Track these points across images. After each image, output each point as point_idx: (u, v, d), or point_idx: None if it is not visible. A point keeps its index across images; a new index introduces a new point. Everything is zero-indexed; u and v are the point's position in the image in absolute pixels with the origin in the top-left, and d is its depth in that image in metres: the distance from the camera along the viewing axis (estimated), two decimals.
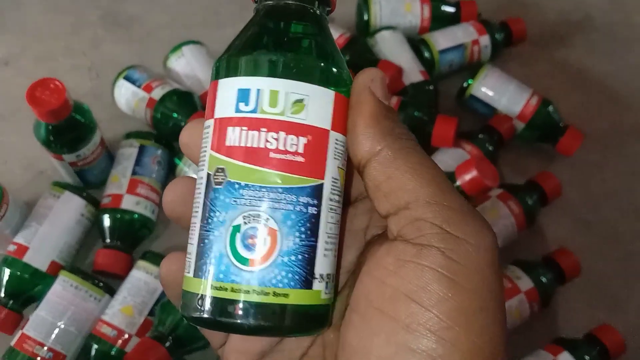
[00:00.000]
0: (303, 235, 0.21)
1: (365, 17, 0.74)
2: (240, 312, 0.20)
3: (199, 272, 0.21)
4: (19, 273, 0.56)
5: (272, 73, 0.21)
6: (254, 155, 0.21)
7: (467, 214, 0.20)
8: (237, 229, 0.20)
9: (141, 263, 0.57)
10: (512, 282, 0.57)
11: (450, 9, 0.76)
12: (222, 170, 0.21)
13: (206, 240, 0.21)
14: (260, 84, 0.21)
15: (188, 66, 0.68)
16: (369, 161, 0.21)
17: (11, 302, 0.56)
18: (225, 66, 0.22)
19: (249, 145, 0.21)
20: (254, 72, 0.21)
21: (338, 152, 0.22)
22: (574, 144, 0.67)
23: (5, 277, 0.56)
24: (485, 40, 0.72)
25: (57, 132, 0.56)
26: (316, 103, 0.21)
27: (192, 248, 0.22)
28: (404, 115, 0.64)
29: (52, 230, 0.57)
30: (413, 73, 0.68)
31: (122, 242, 0.59)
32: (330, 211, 0.22)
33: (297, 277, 0.21)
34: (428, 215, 0.19)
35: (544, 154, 0.70)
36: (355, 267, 0.24)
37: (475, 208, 0.21)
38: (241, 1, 0.82)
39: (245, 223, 0.20)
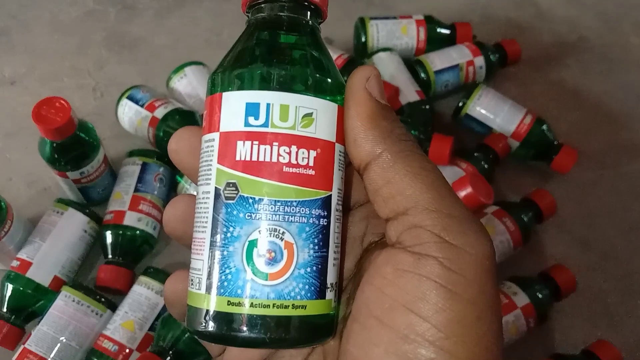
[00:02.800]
0: (317, 247, 0.21)
1: (363, 39, 0.75)
2: (259, 326, 0.20)
3: (211, 288, 0.21)
4: (21, 288, 0.56)
5: (283, 87, 0.21)
6: (267, 169, 0.21)
7: (466, 222, 0.20)
8: (254, 243, 0.20)
9: (143, 279, 0.57)
10: (508, 298, 0.58)
11: (445, 31, 0.77)
12: (234, 184, 0.21)
13: (220, 256, 0.21)
14: (271, 98, 0.21)
15: (190, 86, 0.70)
16: (369, 164, 0.21)
17: (13, 317, 0.56)
18: (230, 79, 0.22)
19: (261, 159, 0.21)
20: (263, 86, 0.21)
21: (341, 163, 0.22)
22: (568, 162, 0.68)
23: (8, 293, 0.57)
24: (479, 61, 0.73)
25: (62, 149, 0.57)
26: (323, 116, 0.21)
27: (201, 264, 0.21)
28: None
29: (55, 246, 0.58)
30: (409, 93, 0.69)
31: (124, 258, 0.60)
32: (337, 221, 0.22)
33: (313, 288, 0.21)
34: (427, 222, 0.19)
35: (539, 172, 0.71)
36: (353, 273, 0.24)
37: (474, 215, 0.20)
38: (243, 23, 0.84)
39: (262, 237, 0.20)
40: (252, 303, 0.20)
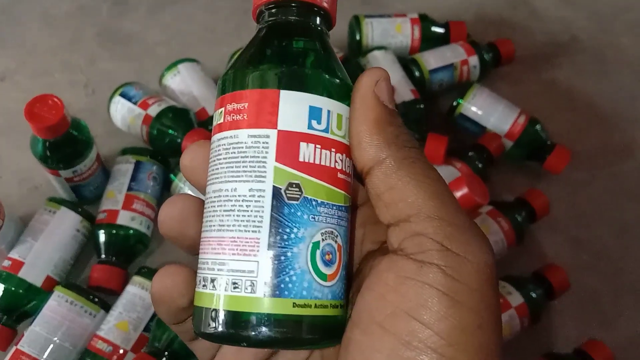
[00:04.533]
0: (349, 250, 0.23)
1: (357, 37, 0.75)
2: (318, 327, 0.21)
3: (276, 290, 0.20)
4: (13, 288, 0.56)
5: (338, 97, 0.22)
6: (327, 174, 0.21)
7: (468, 231, 0.20)
8: (317, 245, 0.21)
9: (136, 279, 0.57)
10: (502, 298, 0.58)
11: (440, 30, 0.77)
12: (297, 185, 0.21)
13: (284, 257, 0.20)
14: (331, 106, 0.22)
15: (183, 83, 0.69)
16: (372, 169, 0.21)
17: (5, 317, 0.56)
18: (292, 79, 0.22)
19: (322, 163, 0.21)
20: (326, 93, 0.22)
21: None
22: (561, 162, 0.68)
23: (0, 293, 0.56)
24: (474, 60, 0.74)
25: (54, 147, 0.57)
26: (347, 122, 0.23)
27: (253, 265, 0.20)
28: None
29: (47, 246, 0.57)
30: (404, 92, 0.69)
31: (118, 257, 0.60)
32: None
33: (346, 288, 0.22)
34: (429, 230, 0.19)
35: (533, 172, 0.72)
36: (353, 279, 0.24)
37: (476, 223, 0.21)
38: (237, 20, 0.84)
39: (323, 240, 0.21)
40: (315, 304, 0.21)
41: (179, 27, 0.82)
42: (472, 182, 0.57)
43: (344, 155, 0.22)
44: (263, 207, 0.21)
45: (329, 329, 0.21)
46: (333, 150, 0.22)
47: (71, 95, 0.73)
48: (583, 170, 0.73)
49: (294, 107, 0.21)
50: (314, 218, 0.21)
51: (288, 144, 0.21)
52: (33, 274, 0.56)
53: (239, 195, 0.21)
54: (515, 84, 0.80)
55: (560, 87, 0.81)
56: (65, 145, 0.57)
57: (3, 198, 0.58)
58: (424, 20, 0.77)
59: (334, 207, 0.21)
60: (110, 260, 0.59)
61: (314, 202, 0.21)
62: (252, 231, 0.21)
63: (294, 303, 0.20)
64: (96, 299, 0.56)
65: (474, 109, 0.70)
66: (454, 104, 0.71)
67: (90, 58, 0.78)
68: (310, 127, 0.21)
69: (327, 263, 0.21)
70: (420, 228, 0.20)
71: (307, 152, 0.21)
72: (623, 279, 0.67)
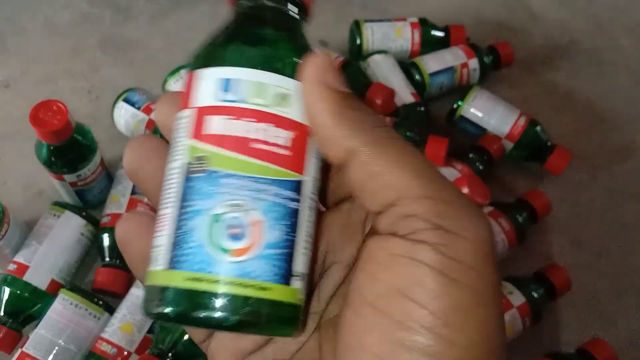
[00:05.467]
0: (287, 229, 0.20)
1: (358, 42, 0.76)
2: (216, 305, 0.19)
3: (172, 263, 0.20)
4: (18, 292, 0.56)
5: (259, 65, 0.21)
6: (238, 144, 0.20)
7: (462, 207, 0.19)
8: (216, 218, 0.20)
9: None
10: (504, 298, 0.59)
11: (439, 34, 0.78)
12: (203, 158, 0.20)
13: (182, 230, 0.20)
14: (247, 75, 0.21)
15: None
16: (347, 162, 0.20)
17: (10, 321, 0.56)
18: (207, 56, 0.22)
19: (233, 134, 0.20)
20: (239, 62, 0.21)
21: (317, 153, 0.22)
22: (562, 163, 0.69)
23: (5, 296, 0.56)
24: (473, 63, 0.74)
25: (59, 152, 0.57)
26: (299, 99, 0.21)
27: (164, 239, 0.21)
28: None
29: (52, 249, 0.58)
30: (405, 95, 0.70)
31: (122, 260, 0.60)
32: (309, 209, 0.21)
33: (279, 271, 0.20)
34: (419, 210, 0.18)
35: (533, 173, 0.72)
36: (355, 261, 0.23)
37: (469, 199, 0.19)
38: None
39: (227, 212, 0.20)
40: (213, 279, 0.19)
41: (180, 33, 0.83)
42: (472, 182, 0.58)
43: (267, 124, 0.20)
44: (174, 183, 0.21)
45: (237, 310, 0.19)
46: (249, 120, 0.20)
47: (75, 101, 0.74)
48: (583, 171, 0.74)
49: (206, 82, 0.21)
50: (216, 190, 0.20)
51: (199, 120, 0.21)
52: (38, 278, 0.57)
53: (166, 176, 0.22)
54: (515, 86, 0.80)
55: (559, 89, 0.81)
56: (69, 149, 0.58)
57: (8, 203, 0.59)
58: (424, 25, 0.77)
59: (248, 179, 0.20)
60: (115, 263, 0.60)
61: (218, 173, 0.20)
62: (165, 207, 0.21)
63: (187, 276, 0.19)
64: (100, 302, 0.56)
65: (474, 111, 0.70)
66: (454, 106, 0.71)
67: (93, 65, 0.79)
68: (220, 99, 0.21)
69: (234, 237, 0.20)
70: (409, 210, 0.18)
71: (215, 124, 0.20)
72: (624, 278, 0.67)
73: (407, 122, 0.68)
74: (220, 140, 0.20)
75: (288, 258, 0.20)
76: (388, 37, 0.76)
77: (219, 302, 0.19)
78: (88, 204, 0.64)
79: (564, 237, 0.69)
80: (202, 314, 0.19)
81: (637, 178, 0.74)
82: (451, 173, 0.65)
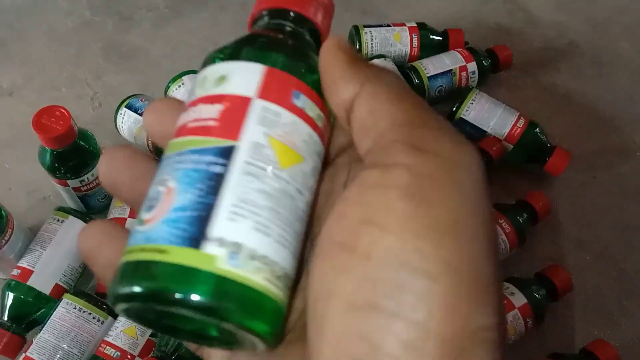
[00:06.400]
0: (202, 193, 0.19)
1: (357, 47, 0.77)
2: (128, 278, 0.19)
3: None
4: (22, 296, 0.57)
5: (207, 63, 0.23)
6: (178, 131, 0.21)
7: (445, 132, 0.17)
8: (145, 196, 0.21)
9: None
10: (506, 299, 0.59)
11: (438, 38, 0.79)
12: (161, 150, 0.22)
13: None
14: (198, 76, 0.23)
15: (188, 94, 0.70)
16: (354, 102, 0.19)
17: (14, 325, 0.57)
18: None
19: (178, 124, 0.22)
20: (203, 65, 0.23)
21: (269, 121, 0.21)
22: (561, 164, 0.69)
23: (9, 301, 0.57)
24: (472, 66, 0.75)
25: (62, 158, 0.58)
26: (239, 75, 0.21)
27: None
28: None
29: (55, 254, 0.58)
30: None
31: None
32: (248, 175, 0.20)
33: (183, 234, 0.19)
34: (400, 136, 0.17)
35: (533, 175, 0.73)
36: None
37: (457, 130, 0.18)
38: (239, 32, 0.85)
39: (151, 189, 0.21)
40: (126, 251, 0.19)
41: (182, 40, 0.84)
42: None
43: (203, 104, 0.21)
44: None
45: (151, 277, 0.18)
46: (190, 107, 0.22)
47: (78, 108, 0.75)
48: (583, 172, 0.74)
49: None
50: (156, 173, 0.21)
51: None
52: (42, 282, 0.57)
53: None
54: (514, 89, 0.81)
55: (558, 91, 0.82)
56: (72, 155, 0.58)
57: (12, 209, 0.59)
58: (422, 29, 0.78)
59: (175, 155, 0.21)
60: None
61: (162, 159, 0.21)
62: None
63: (125, 250, 0.20)
64: (104, 306, 0.57)
65: (473, 113, 0.71)
66: (454, 109, 0.72)
67: (96, 72, 0.80)
68: (187, 101, 0.23)
69: (147, 209, 0.20)
70: (391, 136, 0.17)
71: (178, 120, 0.22)
72: (626, 279, 0.67)
73: None
74: (174, 132, 0.22)
75: (201, 220, 0.19)
76: (387, 41, 0.77)
77: (128, 274, 0.19)
78: (92, 209, 0.65)
79: (565, 238, 0.69)
80: (122, 290, 0.18)
81: (637, 178, 0.74)
82: None
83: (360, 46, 0.76)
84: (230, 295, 0.18)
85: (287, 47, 0.23)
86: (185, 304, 0.18)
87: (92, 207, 0.65)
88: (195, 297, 0.18)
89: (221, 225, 0.19)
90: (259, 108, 0.21)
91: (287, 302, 0.20)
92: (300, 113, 0.21)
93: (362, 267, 0.16)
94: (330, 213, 0.18)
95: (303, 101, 0.22)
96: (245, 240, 0.19)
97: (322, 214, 0.22)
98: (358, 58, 0.20)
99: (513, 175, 0.73)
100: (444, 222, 0.16)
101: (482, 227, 0.16)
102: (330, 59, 0.20)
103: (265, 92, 0.21)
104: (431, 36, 0.78)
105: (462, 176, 0.16)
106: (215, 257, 0.18)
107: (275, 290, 0.19)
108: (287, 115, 0.21)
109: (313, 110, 0.22)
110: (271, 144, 0.21)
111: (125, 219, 0.60)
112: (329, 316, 0.17)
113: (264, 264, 0.19)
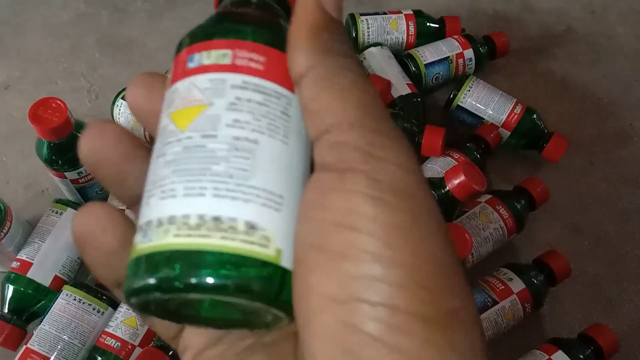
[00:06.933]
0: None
1: (353, 35, 0.76)
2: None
3: None
4: (22, 289, 0.57)
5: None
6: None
7: (392, 137, 0.19)
8: None
9: None
10: (504, 284, 0.59)
11: (434, 25, 0.78)
12: None
13: None
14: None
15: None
16: (302, 78, 0.19)
17: (15, 318, 0.57)
18: None
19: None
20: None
21: (169, 101, 0.21)
22: (559, 150, 0.69)
23: (9, 294, 0.57)
24: (469, 53, 0.75)
25: (59, 150, 0.58)
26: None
27: None
28: None
29: (54, 246, 0.59)
30: (401, 86, 0.70)
31: None
32: (158, 158, 0.20)
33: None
34: (349, 138, 0.18)
35: (531, 161, 0.73)
36: None
37: (399, 130, 0.19)
38: None
39: None
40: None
41: (178, 32, 0.83)
42: (469, 169, 0.58)
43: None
44: None
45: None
46: None
47: (74, 101, 0.75)
48: (581, 157, 0.74)
49: None
50: None
51: None
52: (41, 274, 0.57)
53: None
54: (511, 75, 0.81)
55: (555, 77, 0.82)
56: (69, 147, 0.58)
57: (11, 202, 0.59)
58: (419, 16, 0.78)
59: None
60: None
61: None
62: None
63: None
64: (104, 297, 0.57)
65: (470, 100, 0.71)
66: (451, 96, 0.72)
67: (92, 65, 0.80)
68: None
69: None
70: (340, 137, 0.18)
71: None
72: (624, 264, 0.67)
73: (404, 113, 0.68)
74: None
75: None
76: (383, 29, 0.76)
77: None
78: (90, 201, 0.65)
79: (563, 224, 0.69)
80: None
81: (635, 164, 0.74)
82: (449, 162, 0.65)
83: (356, 34, 0.76)
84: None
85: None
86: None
87: (90, 199, 0.64)
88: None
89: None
90: (166, 96, 0.21)
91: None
92: (197, 69, 0.20)
93: (339, 265, 0.17)
94: (298, 216, 0.19)
95: (199, 57, 0.21)
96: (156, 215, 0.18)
97: None
98: (327, 24, 0.20)
99: (511, 161, 0.73)
100: (406, 224, 0.17)
101: (438, 224, 0.18)
102: (299, 17, 0.20)
103: (172, 76, 0.21)
104: (428, 23, 0.78)
105: (411, 182, 0.18)
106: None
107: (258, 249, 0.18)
108: (180, 84, 0.20)
109: (226, 57, 0.20)
110: (171, 118, 0.20)
111: (124, 210, 0.60)
112: (314, 311, 0.17)
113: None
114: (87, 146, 0.21)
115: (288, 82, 0.20)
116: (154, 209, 0.19)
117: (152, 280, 0.17)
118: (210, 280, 0.17)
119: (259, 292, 0.18)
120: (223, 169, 0.18)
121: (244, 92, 0.20)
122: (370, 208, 0.17)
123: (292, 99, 0.20)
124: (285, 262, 0.18)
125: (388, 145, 0.18)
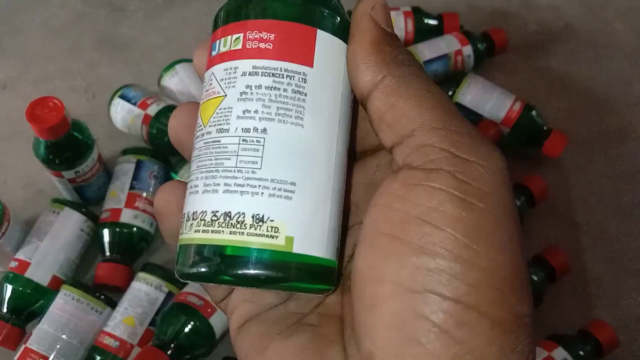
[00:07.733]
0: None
1: None
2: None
3: None
4: (20, 288, 0.57)
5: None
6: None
7: (476, 137, 0.19)
8: None
9: (141, 275, 0.58)
10: None
11: (433, 22, 0.78)
12: None
13: None
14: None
15: (181, 83, 0.70)
16: (371, 92, 0.20)
17: (13, 317, 0.57)
18: None
19: None
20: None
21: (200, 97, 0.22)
22: (559, 146, 0.69)
23: (8, 293, 0.57)
24: (467, 50, 0.74)
25: (56, 149, 0.58)
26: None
27: None
28: None
29: (52, 246, 0.58)
30: None
31: (122, 255, 0.60)
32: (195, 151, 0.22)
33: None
34: (435, 140, 0.19)
35: (530, 158, 0.72)
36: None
37: (482, 132, 0.20)
38: None
39: None
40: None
41: (175, 30, 0.84)
42: None
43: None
44: None
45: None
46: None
47: (72, 100, 0.74)
48: (580, 154, 0.74)
49: None
50: None
51: None
52: (39, 274, 0.57)
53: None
54: (510, 72, 0.80)
55: (554, 74, 0.81)
56: (67, 146, 0.58)
57: (8, 202, 0.59)
58: (417, 13, 0.78)
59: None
60: (115, 258, 0.60)
61: None
62: None
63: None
64: (102, 296, 0.57)
65: (469, 97, 0.71)
66: (449, 93, 0.72)
67: (89, 64, 0.80)
68: None
69: None
70: (425, 139, 0.19)
71: None
72: (623, 260, 0.67)
73: None
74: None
75: None
76: None
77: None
78: (87, 200, 0.65)
79: (563, 221, 0.69)
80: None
81: (634, 160, 0.74)
82: None
83: None
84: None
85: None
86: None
87: (87, 198, 0.64)
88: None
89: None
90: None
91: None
92: (216, 58, 0.21)
93: (416, 258, 0.18)
94: (373, 205, 0.20)
95: (218, 45, 0.21)
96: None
97: (362, 203, 0.23)
98: (386, 39, 0.21)
99: (510, 158, 0.70)
100: (489, 226, 0.18)
101: (517, 230, 0.18)
102: (358, 36, 0.21)
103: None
104: (426, 20, 0.78)
105: (497, 183, 0.18)
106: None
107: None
108: (207, 74, 0.22)
109: (238, 42, 0.21)
110: (200, 111, 0.22)
111: (120, 209, 0.60)
112: (383, 297, 0.18)
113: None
114: (171, 127, 0.24)
115: (301, 55, 0.21)
116: (186, 202, 0.21)
117: (183, 269, 0.20)
118: (221, 271, 0.19)
119: (269, 280, 0.19)
120: (233, 163, 0.19)
121: (254, 79, 0.20)
122: (455, 208, 0.18)
123: (307, 73, 0.20)
124: (299, 248, 0.19)
125: (472, 146, 0.19)
